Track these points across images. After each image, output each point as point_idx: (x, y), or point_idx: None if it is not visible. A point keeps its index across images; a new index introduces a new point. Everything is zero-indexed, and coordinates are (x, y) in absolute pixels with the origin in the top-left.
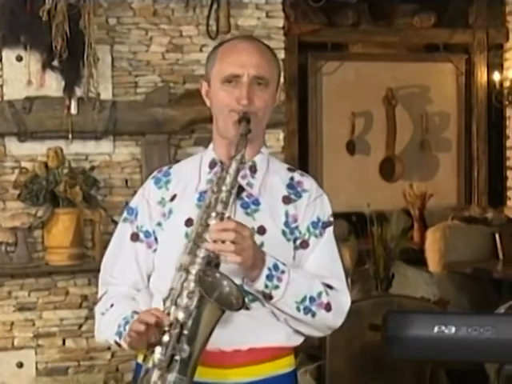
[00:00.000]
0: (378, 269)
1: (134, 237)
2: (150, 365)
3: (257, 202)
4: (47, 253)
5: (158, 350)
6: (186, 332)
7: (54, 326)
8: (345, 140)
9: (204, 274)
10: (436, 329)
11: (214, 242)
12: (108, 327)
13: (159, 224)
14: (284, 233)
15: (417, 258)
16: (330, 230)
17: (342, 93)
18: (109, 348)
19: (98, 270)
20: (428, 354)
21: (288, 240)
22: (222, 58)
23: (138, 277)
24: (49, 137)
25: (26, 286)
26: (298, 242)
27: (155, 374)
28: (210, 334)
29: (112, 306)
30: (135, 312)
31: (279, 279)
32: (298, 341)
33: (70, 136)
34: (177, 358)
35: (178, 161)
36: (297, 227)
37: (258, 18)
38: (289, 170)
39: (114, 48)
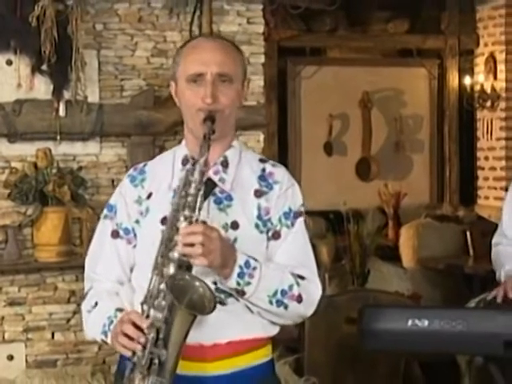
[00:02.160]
0: (354, 264)
1: (115, 234)
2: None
3: (229, 198)
4: (36, 250)
5: (138, 353)
6: (161, 336)
7: (43, 320)
8: (322, 141)
9: (174, 279)
10: (410, 322)
11: (184, 245)
12: (94, 326)
13: (137, 221)
14: (257, 226)
15: (391, 255)
16: (301, 220)
17: (319, 96)
18: (95, 342)
19: None
20: (402, 346)
21: (261, 232)
22: (186, 57)
23: (121, 272)
24: (38, 138)
25: (16, 282)
26: (271, 233)
27: (137, 378)
28: (185, 337)
29: (96, 304)
30: (118, 309)
31: (251, 276)
32: (273, 331)
33: (59, 137)
34: (155, 361)
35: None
36: (269, 219)
37: (239, 24)
38: (261, 161)
39: (101, 53)
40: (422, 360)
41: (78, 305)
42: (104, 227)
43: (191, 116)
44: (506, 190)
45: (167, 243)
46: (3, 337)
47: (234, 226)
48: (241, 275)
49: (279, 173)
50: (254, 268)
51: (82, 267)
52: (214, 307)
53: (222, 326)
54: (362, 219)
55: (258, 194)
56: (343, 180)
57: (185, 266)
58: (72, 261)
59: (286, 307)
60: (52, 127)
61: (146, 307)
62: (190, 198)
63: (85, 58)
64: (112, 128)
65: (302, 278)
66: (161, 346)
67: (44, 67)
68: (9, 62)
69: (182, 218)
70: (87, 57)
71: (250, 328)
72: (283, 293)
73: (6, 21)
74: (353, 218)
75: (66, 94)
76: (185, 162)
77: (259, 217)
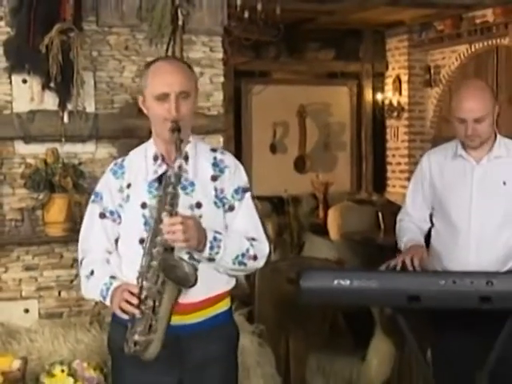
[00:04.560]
0: (292, 238)
1: (102, 215)
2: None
3: (192, 184)
4: (46, 227)
5: (137, 314)
6: (157, 304)
7: (52, 282)
8: (268, 142)
9: (165, 261)
10: (335, 282)
11: (168, 233)
12: (93, 290)
13: (120, 205)
14: (215, 203)
15: (321, 230)
16: (248, 194)
17: (266, 108)
18: (93, 298)
19: None
20: (329, 300)
21: (219, 207)
22: (152, 79)
23: (108, 244)
24: (47, 140)
25: (31, 252)
26: (227, 207)
27: (136, 335)
28: (173, 306)
29: (93, 272)
30: (112, 277)
31: (218, 247)
32: (232, 285)
33: (63, 139)
34: (154, 323)
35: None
36: (224, 196)
37: (203, 52)
38: (212, 150)
39: (96, 74)
40: (344, 311)
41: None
42: (93, 210)
43: (159, 124)
44: (409, 180)
45: (155, 231)
46: (21, 294)
47: (198, 205)
48: (211, 248)
49: (227, 159)
50: (220, 240)
51: None
52: (195, 282)
53: (196, 288)
54: (298, 203)
55: (214, 178)
56: (284, 172)
57: (169, 248)
58: (74, 235)
59: (245, 265)
60: (58, 131)
61: (140, 280)
62: (169, 197)
63: (83, 77)
64: (105, 132)
65: (254, 239)
66: (157, 312)
67: (51, 85)
68: (24, 81)
69: (165, 213)
70: (85, 77)
71: (216, 286)
72: (243, 256)
73: (21, 49)
74: (291, 201)
75: (69, 106)
76: (155, 158)
77: (216, 196)
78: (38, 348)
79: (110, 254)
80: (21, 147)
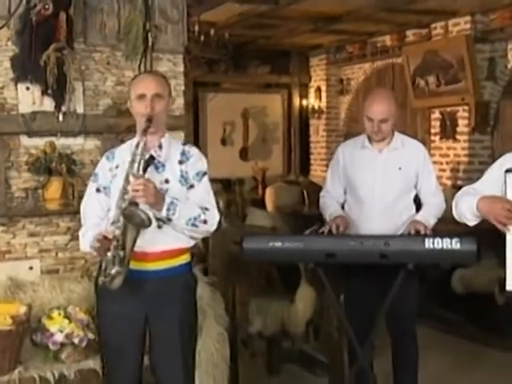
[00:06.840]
0: (238, 210)
1: (98, 190)
2: (104, 262)
3: (163, 165)
4: (46, 203)
5: (109, 254)
6: (120, 243)
7: (50, 245)
8: (220, 137)
9: (126, 210)
10: (270, 243)
11: (133, 190)
12: (85, 244)
13: (111, 182)
14: (180, 181)
15: (260, 204)
16: (206, 177)
17: (218, 111)
18: (83, 257)
19: (77, 212)
20: (265, 258)
21: (182, 185)
22: (135, 85)
23: (101, 211)
24: (46, 135)
25: (34, 222)
26: (188, 186)
27: (108, 269)
28: (134, 242)
29: (87, 231)
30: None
31: (174, 209)
32: (191, 243)
33: (59, 134)
34: (117, 258)
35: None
36: (187, 177)
37: (168, 66)
38: (182, 144)
39: (85, 83)
40: (277, 265)
41: (72, 235)
42: (91, 187)
43: (139, 119)
44: (327, 166)
45: (123, 190)
46: (26, 255)
47: (167, 181)
48: (168, 209)
49: (193, 151)
50: (176, 205)
51: (75, 213)
52: (149, 225)
53: (157, 240)
54: (242, 183)
55: (180, 162)
56: (231, 160)
57: (133, 203)
58: (68, 209)
59: (196, 227)
60: (54, 128)
61: (112, 227)
62: (135, 164)
63: (74, 86)
64: (91, 129)
65: (207, 209)
66: (120, 248)
67: (49, 91)
68: (27, 88)
69: (131, 176)
70: (76, 85)
71: (176, 241)
72: (195, 218)
73: (25, 63)
74: (237, 182)
75: (63, 108)
76: (137, 145)
77: (181, 176)
78: (39, 297)
79: (102, 220)
80: (25, 140)
